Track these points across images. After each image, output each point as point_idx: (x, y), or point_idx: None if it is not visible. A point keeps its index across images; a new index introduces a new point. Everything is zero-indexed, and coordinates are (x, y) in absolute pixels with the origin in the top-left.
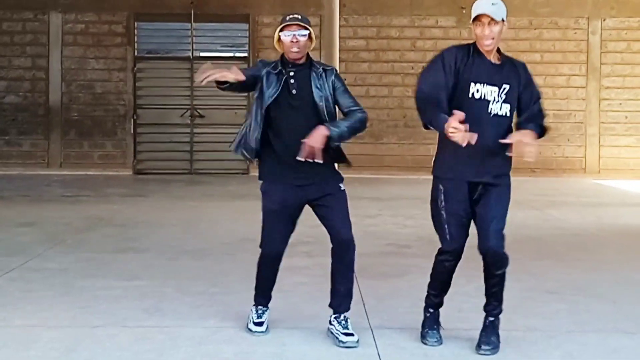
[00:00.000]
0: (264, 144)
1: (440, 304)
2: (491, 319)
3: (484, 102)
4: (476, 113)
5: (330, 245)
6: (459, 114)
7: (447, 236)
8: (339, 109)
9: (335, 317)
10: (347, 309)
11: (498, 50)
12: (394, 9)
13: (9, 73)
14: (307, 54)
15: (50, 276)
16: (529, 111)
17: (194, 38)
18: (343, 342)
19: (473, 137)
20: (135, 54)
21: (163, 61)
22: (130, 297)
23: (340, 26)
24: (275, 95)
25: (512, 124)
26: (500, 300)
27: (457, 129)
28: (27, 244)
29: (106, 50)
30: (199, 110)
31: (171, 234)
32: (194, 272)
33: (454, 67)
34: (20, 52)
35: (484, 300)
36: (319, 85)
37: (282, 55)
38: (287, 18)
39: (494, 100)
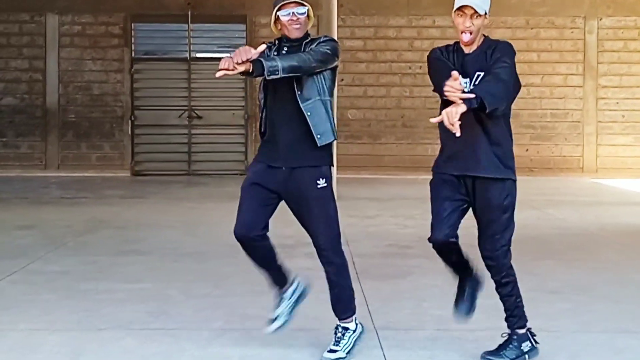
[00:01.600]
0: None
1: (465, 278)
2: (508, 331)
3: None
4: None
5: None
6: (454, 74)
7: (431, 228)
8: None
9: (337, 324)
10: (341, 316)
11: (484, 35)
12: (392, 9)
13: (6, 75)
14: (307, 32)
15: (53, 279)
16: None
17: (191, 39)
18: (322, 356)
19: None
20: (133, 55)
21: (160, 62)
22: (135, 300)
23: (337, 26)
24: None
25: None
26: (514, 315)
27: (452, 88)
28: (28, 247)
29: (103, 51)
30: (196, 111)
31: (172, 236)
32: (197, 274)
33: (444, 58)
34: (17, 54)
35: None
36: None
37: (280, 38)
38: None
39: (468, 91)
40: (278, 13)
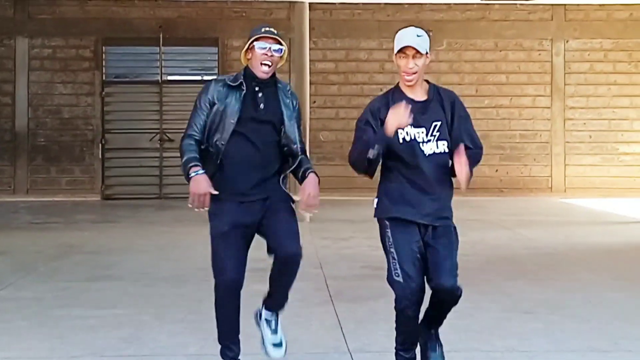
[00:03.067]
0: (210, 161)
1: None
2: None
3: (415, 142)
4: (411, 154)
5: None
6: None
7: (401, 278)
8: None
9: (265, 313)
10: (281, 309)
11: (427, 81)
12: (363, 32)
13: None
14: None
15: (25, 306)
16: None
17: (162, 62)
18: (269, 354)
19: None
20: (104, 78)
21: (132, 85)
22: (108, 326)
23: (309, 49)
24: (240, 110)
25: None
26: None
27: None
28: None
29: (74, 74)
30: (168, 134)
31: (145, 261)
32: (171, 299)
33: (378, 120)
34: None
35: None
36: (287, 103)
37: (246, 69)
38: (263, 30)
39: (424, 140)
40: (254, 43)
